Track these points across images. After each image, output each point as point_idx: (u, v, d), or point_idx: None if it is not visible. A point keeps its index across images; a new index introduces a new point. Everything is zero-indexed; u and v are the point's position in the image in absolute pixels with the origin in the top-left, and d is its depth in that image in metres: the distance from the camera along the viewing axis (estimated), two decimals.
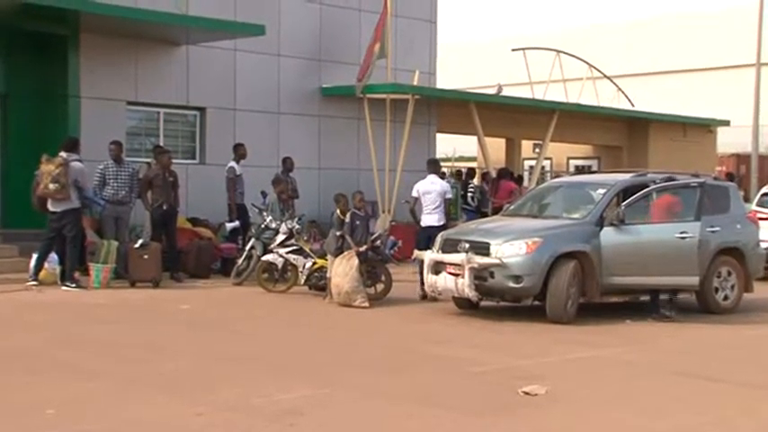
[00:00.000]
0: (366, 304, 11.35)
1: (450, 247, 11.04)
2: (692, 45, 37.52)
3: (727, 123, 25.89)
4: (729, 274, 11.75)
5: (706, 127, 25.82)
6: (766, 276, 12.54)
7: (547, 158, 23.84)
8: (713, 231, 11.67)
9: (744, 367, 8.40)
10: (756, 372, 8.20)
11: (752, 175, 24.02)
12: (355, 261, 11.40)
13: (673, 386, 7.46)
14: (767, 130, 27.58)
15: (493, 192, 18.57)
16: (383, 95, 17.40)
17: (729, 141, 27.33)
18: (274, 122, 17.33)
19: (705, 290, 11.57)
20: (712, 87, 35.84)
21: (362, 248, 11.63)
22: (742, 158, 26.83)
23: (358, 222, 12.01)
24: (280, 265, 12.43)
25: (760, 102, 24.56)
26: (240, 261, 13.34)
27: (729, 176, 20.16)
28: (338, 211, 12.15)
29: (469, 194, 19.16)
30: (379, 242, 12.16)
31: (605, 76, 26.63)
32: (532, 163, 23.76)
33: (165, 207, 13.43)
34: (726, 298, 11.73)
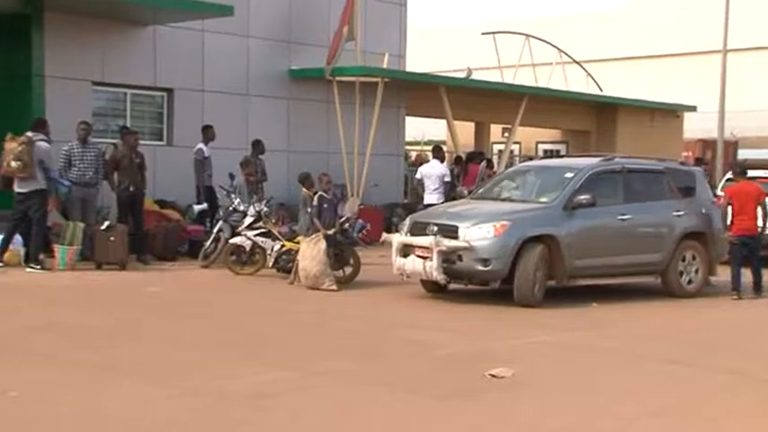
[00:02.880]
0: (334, 287, 11.33)
1: (418, 229, 11.04)
2: (661, 31, 37.75)
3: (693, 109, 26.11)
4: (694, 258, 11.88)
5: (673, 112, 26.04)
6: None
7: (516, 142, 23.92)
8: (679, 215, 11.79)
9: (708, 351, 8.49)
10: (720, 355, 8.29)
11: (717, 160, 24.28)
12: (323, 244, 11.36)
13: (638, 369, 7.53)
14: (733, 116, 27.81)
15: (463, 175, 18.59)
16: (352, 78, 17.33)
17: (696, 127, 27.56)
18: (243, 104, 17.21)
19: (670, 273, 11.70)
20: (680, 73, 36.11)
21: (330, 232, 11.59)
22: (708, 144, 27.11)
23: (326, 205, 11.97)
24: (248, 248, 12.37)
25: (726, 88, 24.78)
26: (208, 243, 13.26)
27: (698, 161, 20.32)
28: (304, 191, 12.12)
29: None
30: (347, 225, 12.12)
31: (574, 61, 26.74)
32: (501, 147, 23.83)
33: (131, 189, 13.30)
34: (690, 282, 11.85)
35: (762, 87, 34.55)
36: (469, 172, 18.37)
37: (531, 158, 20.24)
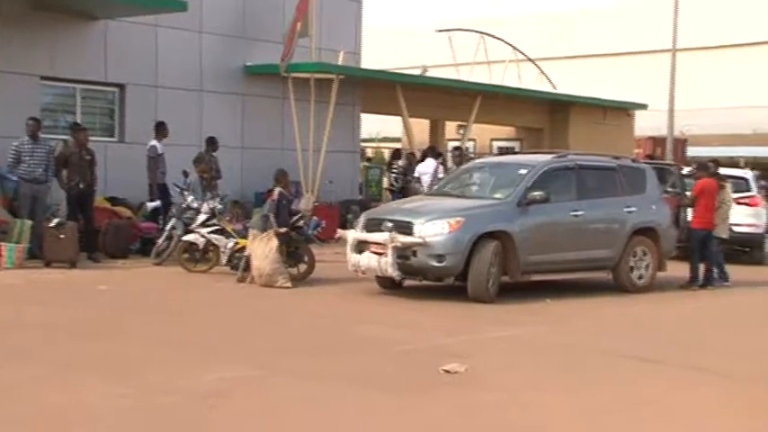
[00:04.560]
0: (288, 284, 11.25)
1: (373, 226, 11.01)
2: (613, 31, 38.20)
3: (644, 107, 26.40)
4: (644, 253, 12.01)
5: (625, 110, 26.31)
6: (679, 255, 12.84)
7: (471, 140, 23.96)
8: (630, 212, 11.91)
9: (658, 345, 8.58)
10: (670, 349, 8.37)
11: (667, 157, 24.59)
12: (275, 242, 11.28)
13: (590, 364, 7.57)
14: (683, 114, 28.22)
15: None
16: (307, 75, 17.22)
17: (647, 124, 27.90)
18: (197, 101, 17.01)
19: (621, 269, 11.82)
20: (631, 72, 36.57)
21: (283, 230, 11.50)
22: (658, 141, 27.44)
23: (285, 202, 11.89)
24: (201, 246, 12.24)
25: (675, 86, 25.13)
26: (160, 241, 13.09)
27: (649, 158, 20.53)
28: (279, 189, 11.96)
29: (393, 175, 19.15)
30: (301, 222, 12.04)
31: (528, 59, 26.91)
32: (456, 144, 23.87)
33: (81, 186, 13.07)
34: (640, 277, 11.98)
35: (710, 86, 35.16)
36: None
37: (479, 156, 20.30)
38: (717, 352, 8.19)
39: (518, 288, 11.21)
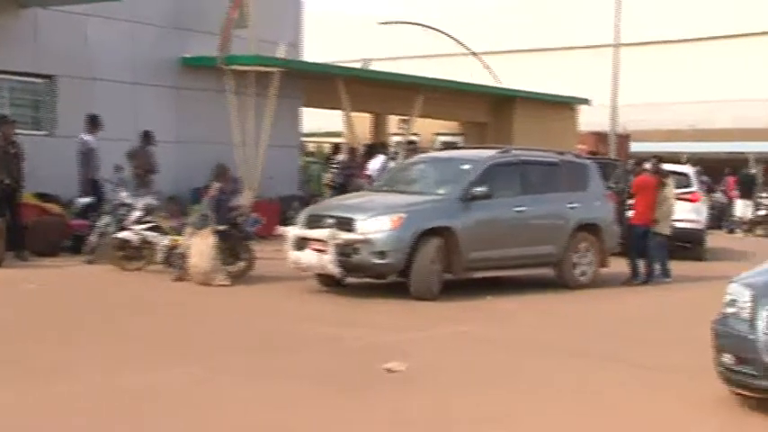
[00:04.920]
0: (226, 282, 11.15)
1: (314, 222, 10.97)
2: (557, 25, 38.61)
3: (587, 102, 26.72)
4: (587, 249, 12.15)
5: (568, 105, 26.58)
6: (621, 252, 13.02)
7: (414, 134, 24.01)
8: (573, 208, 12.04)
9: (597, 341, 8.70)
10: (609, 346, 8.49)
11: (610, 153, 24.93)
12: (213, 239, 11.17)
13: (529, 362, 7.64)
14: (626, 110, 28.62)
15: (363, 168, 18.52)
16: (247, 68, 17.06)
17: (590, 120, 28.25)
18: (131, 93, 16.72)
19: (564, 265, 11.95)
20: (575, 66, 36.97)
21: (221, 227, 11.39)
22: (601, 137, 27.79)
23: (223, 198, 11.78)
24: (135, 243, 12.05)
25: (618, 82, 25.47)
26: (93, 238, 12.84)
27: (592, 155, 20.76)
28: (216, 185, 11.84)
29: (333, 171, 19.07)
30: (241, 219, 11.93)
31: (472, 52, 27.05)
32: (399, 139, 23.89)
33: (7, 181, 12.74)
34: (583, 273, 12.12)
35: (653, 81, 35.76)
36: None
37: (423, 151, 20.37)
38: (650, 346, 8.32)
39: (461, 285, 11.26)
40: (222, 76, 16.99)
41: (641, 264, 12.83)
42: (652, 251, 12.77)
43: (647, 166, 13.24)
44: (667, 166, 15.60)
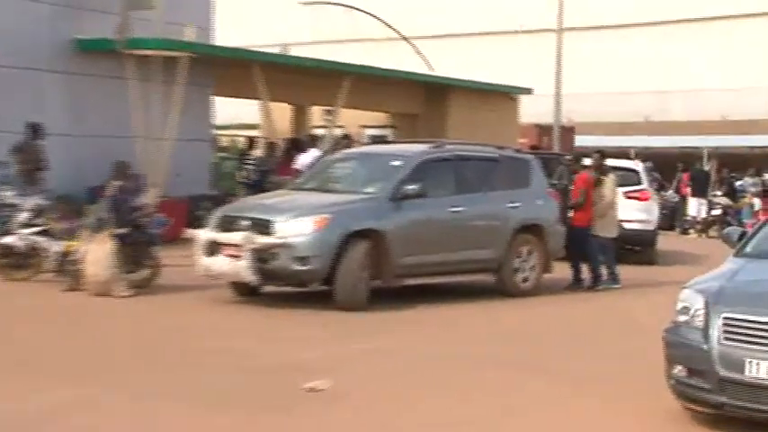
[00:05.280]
0: (127, 293, 11.02)
1: (227, 224, 10.91)
2: (496, 7, 39.01)
3: (529, 92, 27.07)
4: (530, 253, 12.30)
5: (508, 95, 26.88)
6: (566, 257, 13.21)
7: (338, 127, 24.01)
8: (513, 207, 12.17)
9: (540, 352, 8.82)
10: (553, 356, 8.62)
11: (554, 147, 25.31)
12: (110, 244, 11.05)
13: (464, 376, 7.71)
14: (570, 100, 29.05)
15: (283, 165, 18.46)
16: (151, 52, 16.84)
17: (532, 111, 28.62)
18: (17, 80, 16.34)
19: (504, 270, 12.07)
20: (515, 53, 37.43)
21: (122, 230, 11.26)
22: (544, 129, 28.18)
23: (124, 198, 11.67)
24: (22, 249, 11.81)
25: (562, 69, 25.87)
26: None
27: (534, 149, 21.01)
28: (116, 184, 11.69)
29: (248, 167, 18.97)
30: (144, 221, 11.79)
31: (402, 37, 27.19)
32: (323, 131, 23.89)
33: None
34: (525, 279, 12.27)
35: (600, 69, 36.32)
36: (295, 160, 18.22)
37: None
38: (594, 358, 8.46)
39: (391, 293, 11.29)
40: (123, 61, 16.76)
41: (585, 268, 13.04)
42: (593, 255, 12.97)
43: (588, 162, 13.47)
44: (614, 162, 15.88)
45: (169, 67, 17.14)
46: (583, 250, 12.95)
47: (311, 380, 7.07)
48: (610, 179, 13.36)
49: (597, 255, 13.02)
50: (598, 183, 13.12)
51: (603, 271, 13.12)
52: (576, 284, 13.00)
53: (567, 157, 14.90)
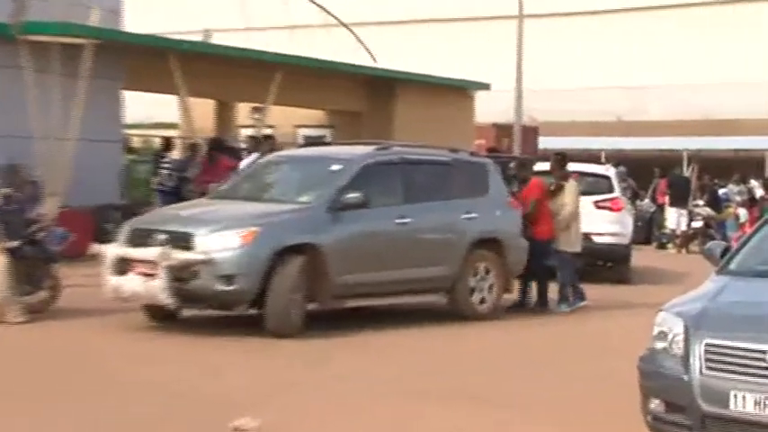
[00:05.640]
0: (22, 318, 10.95)
1: (140, 238, 10.86)
2: None
3: (486, 87, 27.29)
4: (487, 271, 12.38)
5: (463, 91, 27.06)
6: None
7: (269, 126, 23.99)
8: (469, 218, 12.25)
9: (499, 382, 8.88)
10: (514, 388, 8.68)
11: (515, 150, 25.51)
12: (2, 261, 10.95)
13: (406, 411, 7.75)
14: (533, 97, 29.31)
15: (205, 169, 18.36)
16: (50, 39, 16.69)
17: (490, 109, 28.83)
18: None
19: (459, 291, 12.14)
20: (472, 43, 37.66)
21: (14, 244, 11.15)
22: (503, 130, 28.38)
23: (16, 208, 11.59)
24: None
25: (523, 61, 26.06)
26: None
27: (491, 152, 21.14)
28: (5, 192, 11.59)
29: (164, 172, 18.85)
30: (41, 234, 11.68)
31: (341, 23, 27.25)
32: (251, 132, 23.84)
33: None
34: (483, 301, 12.35)
35: (566, 62, 36.64)
36: (219, 164, 18.15)
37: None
38: (561, 390, 8.54)
39: (330, 317, 11.28)
40: (18, 48, 16.59)
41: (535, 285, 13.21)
42: (539, 271, 13.10)
43: (541, 167, 13.65)
44: (582, 167, 16.01)
45: (72, 57, 16.99)
46: (541, 266, 13.07)
47: (237, 416, 7.04)
48: (571, 186, 13.49)
49: (560, 272, 13.18)
50: (557, 190, 13.26)
51: (569, 291, 13.26)
52: (521, 305, 13.12)
53: (512, 165, 14.98)
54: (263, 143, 17.94)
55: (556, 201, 13.21)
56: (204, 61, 21.01)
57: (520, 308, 13.09)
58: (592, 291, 13.69)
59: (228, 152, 19.55)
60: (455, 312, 12.24)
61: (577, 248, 13.40)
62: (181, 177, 18.39)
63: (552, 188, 13.31)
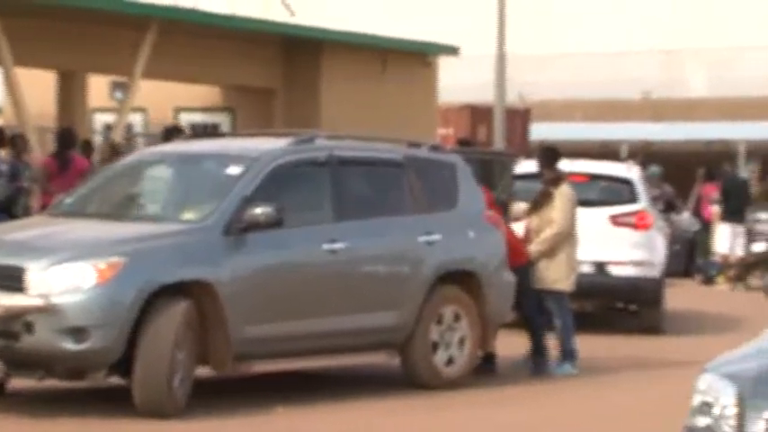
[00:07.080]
0: None
1: None
2: None
3: (454, 52, 27.36)
4: (457, 318, 12.44)
5: (421, 56, 27.11)
6: (517, 321, 13.42)
7: (138, 110, 23.97)
8: (429, 242, 12.30)
9: None
10: None
11: (497, 142, 25.62)
12: None
13: None
14: (523, 66, 29.42)
15: (52, 175, 18.27)
16: None
17: (460, 83, 28.93)
18: None
19: (415, 346, 12.18)
20: None
21: None
22: (480, 113, 28.40)
23: None
24: None
25: (506, 16, 26.18)
26: None
27: (462, 144, 21.11)
28: None
29: None
30: None
31: None
32: (110, 118, 23.77)
33: None
34: (450, 361, 12.41)
35: (569, 17, 36.78)
36: (75, 165, 18.07)
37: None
38: None
39: (230, 387, 11.30)
40: None
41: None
42: (556, 318, 13.27)
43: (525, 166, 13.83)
44: (589, 166, 16.12)
45: None
46: (530, 303, 13.20)
47: None
48: (563, 193, 13.55)
49: (566, 316, 13.30)
50: (544, 199, 13.37)
51: (548, 342, 13.38)
52: (488, 363, 13.26)
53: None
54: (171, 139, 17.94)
55: (542, 214, 13.32)
56: (40, 16, 20.93)
57: (489, 367, 13.20)
58: (609, 343, 13.77)
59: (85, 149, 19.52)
60: (410, 378, 12.32)
61: (569, 285, 13.47)
62: (12, 185, 18.28)
63: (537, 197, 13.43)
